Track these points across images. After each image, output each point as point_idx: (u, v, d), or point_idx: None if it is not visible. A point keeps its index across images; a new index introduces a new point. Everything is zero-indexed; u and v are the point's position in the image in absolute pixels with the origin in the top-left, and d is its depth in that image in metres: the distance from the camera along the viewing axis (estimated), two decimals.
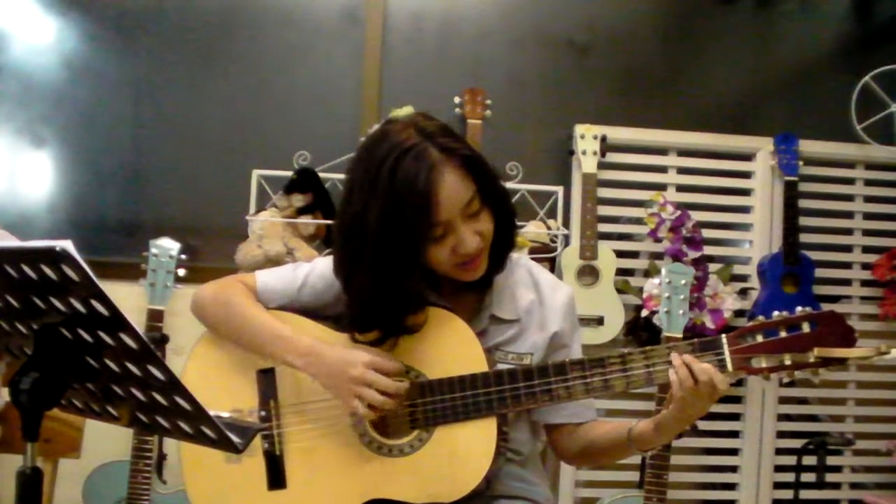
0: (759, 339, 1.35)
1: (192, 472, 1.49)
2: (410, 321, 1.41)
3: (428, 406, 1.40)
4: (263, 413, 1.47)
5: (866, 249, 3.04)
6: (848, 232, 3.05)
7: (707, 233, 2.84)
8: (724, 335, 1.36)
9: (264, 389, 1.48)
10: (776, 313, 1.35)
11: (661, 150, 2.99)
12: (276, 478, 1.45)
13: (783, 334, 1.34)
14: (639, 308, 2.77)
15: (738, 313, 2.84)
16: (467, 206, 1.34)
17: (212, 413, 0.99)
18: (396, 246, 1.32)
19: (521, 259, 1.58)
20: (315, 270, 1.53)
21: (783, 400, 2.97)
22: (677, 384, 1.32)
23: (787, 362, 1.34)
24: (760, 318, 1.36)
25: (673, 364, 1.33)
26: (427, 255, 1.36)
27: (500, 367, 1.44)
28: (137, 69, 2.94)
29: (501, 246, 1.45)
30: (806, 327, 1.34)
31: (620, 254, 2.87)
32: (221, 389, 1.50)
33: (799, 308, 1.35)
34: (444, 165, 1.31)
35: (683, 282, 2.42)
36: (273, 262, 2.50)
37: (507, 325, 1.49)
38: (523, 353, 1.48)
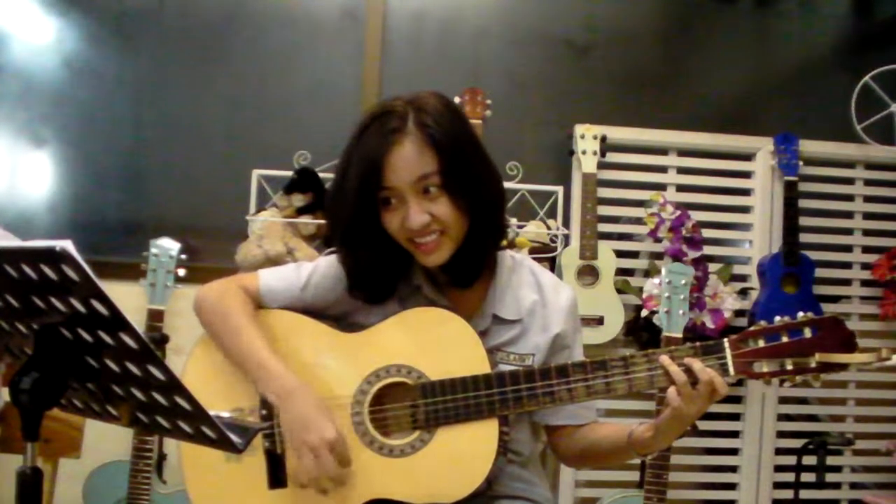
0: (761, 343, 1.35)
1: (193, 472, 1.49)
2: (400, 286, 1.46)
3: (429, 407, 1.40)
4: (264, 412, 1.46)
5: (866, 249, 3.04)
6: (848, 232, 3.05)
7: (707, 233, 2.84)
8: (726, 339, 1.36)
9: None
10: (778, 318, 1.36)
11: (661, 150, 2.98)
12: (277, 477, 1.45)
13: (785, 339, 1.35)
14: (639, 308, 2.77)
15: (738, 313, 2.84)
16: (419, 181, 1.35)
17: (212, 413, 0.99)
18: (356, 201, 1.37)
19: (523, 260, 1.58)
20: (318, 270, 1.53)
21: (783, 400, 2.97)
22: (673, 393, 1.32)
23: (789, 367, 1.34)
24: (762, 322, 1.36)
25: (667, 368, 1.33)
26: (382, 221, 1.39)
27: (502, 367, 1.44)
28: (137, 69, 2.94)
29: (479, 243, 1.44)
30: (807, 332, 1.34)
31: (620, 254, 2.87)
32: (222, 388, 1.49)
33: (801, 313, 1.35)
34: (409, 136, 1.35)
35: (683, 282, 2.42)
36: (273, 262, 2.50)
37: (509, 325, 1.49)
38: (525, 353, 1.48)
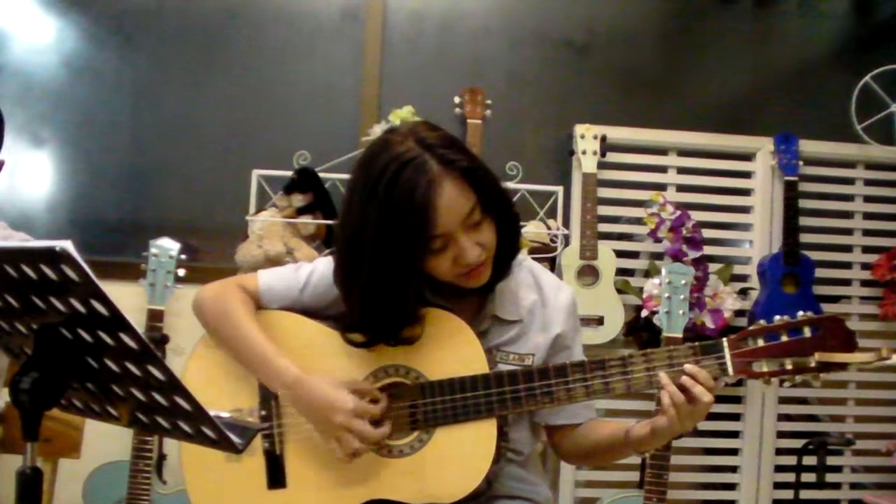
0: (761, 342, 1.35)
1: (193, 471, 1.49)
2: (407, 333, 1.41)
3: (428, 407, 1.40)
4: (264, 412, 1.47)
5: (866, 249, 3.04)
6: (848, 232, 3.05)
7: (707, 233, 2.83)
8: (725, 339, 1.36)
9: (265, 389, 1.48)
10: (777, 317, 1.35)
11: (661, 150, 2.98)
12: (276, 477, 1.45)
13: (784, 338, 1.34)
14: (639, 308, 2.77)
15: (738, 313, 2.84)
16: (468, 218, 1.33)
17: (212, 413, 0.99)
18: (392, 258, 1.32)
19: (523, 260, 1.57)
20: (317, 271, 1.53)
21: (783, 400, 2.97)
22: (669, 403, 1.32)
23: (789, 367, 1.34)
24: (762, 322, 1.36)
25: (664, 385, 1.32)
26: (428, 266, 1.36)
27: (502, 367, 1.44)
28: (137, 69, 2.94)
29: (506, 252, 1.44)
30: (807, 332, 1.34)
31: (620, 254, 2.87)
32: (222, 389, 1.49)
33: (801, 312, 1.35)
34: (444, 178, 1.30)
35: (683, 282, 2.42)
36: (273, 262, 2.50)
37: (509, 325, 1.49)
38: (525, 353, 1.48)
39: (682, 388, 1.31)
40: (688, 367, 1.33)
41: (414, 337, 1.41)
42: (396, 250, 1.31)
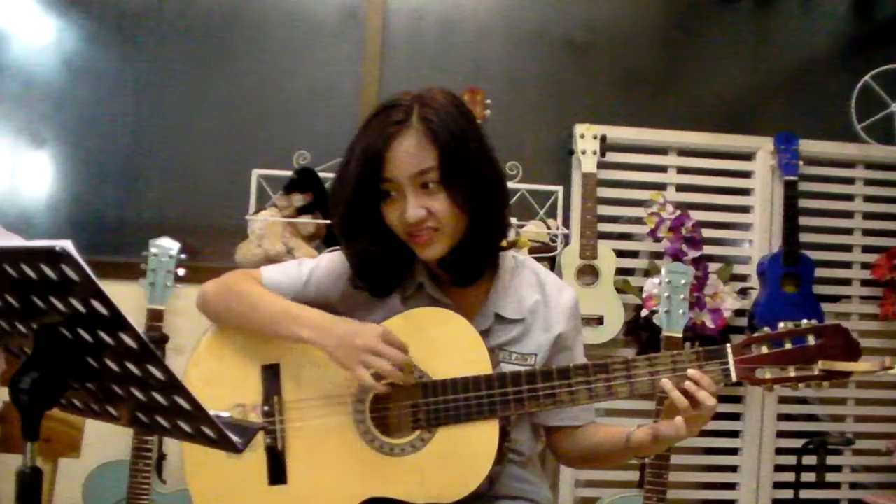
0: (764, 349, 1.35)
1: (194, 468, 1.49)
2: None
3: (431, 406, 1.40)
4: (266, 408, 1.47)
5: (866, 249, 3.04)
6: (848, 232, 3.05)
7: (707, 233, 2.84)
8: (728, 345, 1.36)
9: (268, 385, 1.48)
10: (782, 324, 1.35)
11: (661, 150, 2.98)
12: (278, 473, 1.45)
13: (788, 346, 1.34)
14: (639, 308, 2.77)
15: (738, 313, 2.84)
16: (419, 176, 1.35)
17: (212, 412, 0.99)
18: (357, 190, 1.37)
19: (526, 260, 1.58)
20: (320, 266, 1.53)
21: (783, 400, 2.97)
22: (673, 409, 1.32)
23: (792, 374, 1.34)
24: (766, 329, 1.36)
25: (667, 391, 1.32)
26: (382, 212, 1.40)
27: (504, 366, 1.44)
28: (137, 69, 2.94)
29: (478, 242, 1.43)
30: (811, 339, 1.34)
31: (620, 253, 2.87)
32: (225, 385, 1.49)
33: (804, 320, 1.35)
34: (411, 129, 1.35)
35: (683, 281, 2.42)
36: (273, 261, 2.49)
37: (511, 324, 1.49)
38: (527, 353, 1.48)
39: (686, 394, 1.31)
40: (691, 371, 1.33)
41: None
42: (360, 184, 1.37)
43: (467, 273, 1.47)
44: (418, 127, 1.35)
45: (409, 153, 1.34)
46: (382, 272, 1.47)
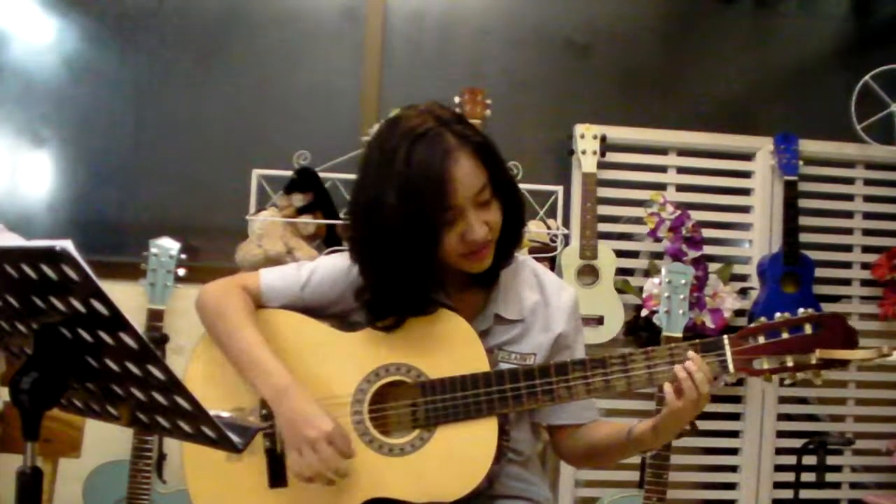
0: (761, 340, 1.35)
1: (194, 470, 1.49)
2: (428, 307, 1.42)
3: (429, 405, 1.40)
4: (265, 411, 1.46)
5: (866, 249, 3.03)
6: (848, 232, 3.05)
7: (707, 232, 2.83)
8: (725, 336, 1.36)
9: None
10: (778, 315, 1.35)
11: (661, 150, 2.98)
12: (278, 476, 1.45)
13: (785, 336, 1.34)
14: (639, 308, 2.77)
15: (738, 313, 2.84)
16: (479, 194, 1.35)
17: (212, 413, 0.99)
18: (413, 229, 1.32)
19: (526, 260, 1.58)
20: (318, 269, 1.53)
21: (783, 400, 2.97)
22: (671, 392, 1.32)
23: (789, 364, 1.34)
24: (762, 319, 1.36)
25: (678, 376, 1.32)
26: (441, 239, 1.36)
27: (503, 366, 1.44)
28: (137, 69, 2.94)
29: (508, 239, 1.45)
30: (808, 329, 1.34)
31: (620, 253, 2.87)
32: (224, 387, 1.49)
33: (801, 310, 1.35)
34: (459, 151, 1.33)
35: (683, 281, 2.42)
36: (273, 261, 2.50)
37: (511, 325, 1.49)
38: (527, 353, 1.48)
39: (685, 376, 1.32)
40: (690, 353, 1.34)
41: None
42: (415, 222, 1.32)
43: (492, 272, 1.47)
44: (463, 148, 1.34)
45: (469, 175, 1.33)
46: (412, 300, 1.43)
